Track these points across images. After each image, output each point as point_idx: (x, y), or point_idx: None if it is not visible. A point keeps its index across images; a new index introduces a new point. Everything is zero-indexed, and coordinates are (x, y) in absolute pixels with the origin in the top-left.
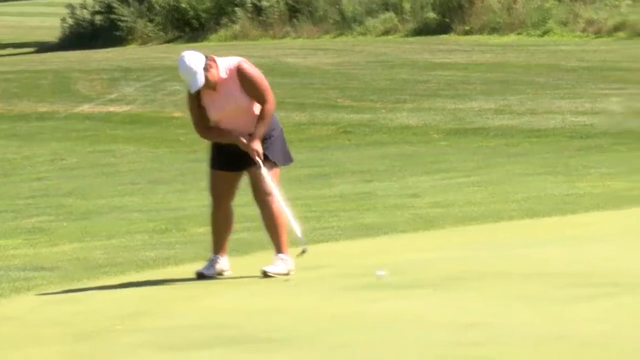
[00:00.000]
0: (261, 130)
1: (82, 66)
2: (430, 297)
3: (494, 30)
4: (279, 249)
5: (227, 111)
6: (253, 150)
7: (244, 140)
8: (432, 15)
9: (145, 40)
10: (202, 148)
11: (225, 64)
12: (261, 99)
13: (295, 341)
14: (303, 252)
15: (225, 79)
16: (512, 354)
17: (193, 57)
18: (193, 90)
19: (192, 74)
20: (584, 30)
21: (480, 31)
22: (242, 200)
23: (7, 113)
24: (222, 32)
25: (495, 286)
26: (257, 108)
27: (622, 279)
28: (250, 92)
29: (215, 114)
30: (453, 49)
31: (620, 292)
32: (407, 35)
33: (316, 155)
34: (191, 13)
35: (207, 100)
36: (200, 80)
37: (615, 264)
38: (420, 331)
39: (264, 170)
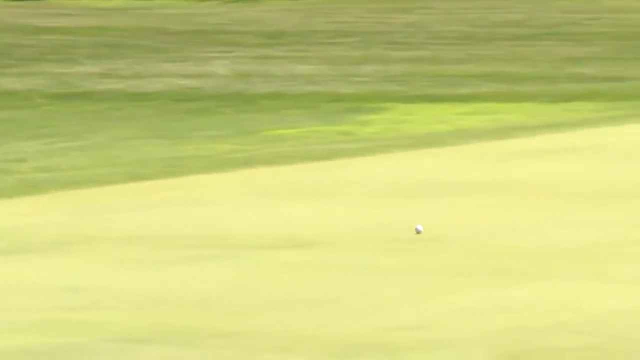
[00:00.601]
0: None
1: None
2: (35, 262)
3: None
4: None
5: None
6: None
7: None
8: None
9: None
10: None
11: None
12: None
13: None
14: None
15: None
16: (113, 317)
17: None
18: None
19: None
20: None
21: None
22: None
23: None
24: None
25: (99, 250)
26: None
27: (226, 241)
28: None
29: None
30: (59, 12)
31: (223, 254)
32: None
33: None
34: None
35: None
36: None
37: (220, 226)
38: (24, 296)
39: None
